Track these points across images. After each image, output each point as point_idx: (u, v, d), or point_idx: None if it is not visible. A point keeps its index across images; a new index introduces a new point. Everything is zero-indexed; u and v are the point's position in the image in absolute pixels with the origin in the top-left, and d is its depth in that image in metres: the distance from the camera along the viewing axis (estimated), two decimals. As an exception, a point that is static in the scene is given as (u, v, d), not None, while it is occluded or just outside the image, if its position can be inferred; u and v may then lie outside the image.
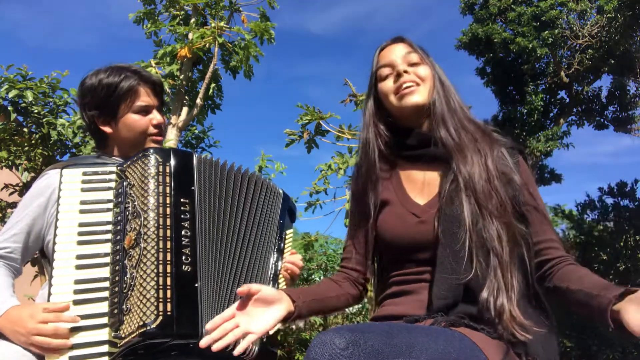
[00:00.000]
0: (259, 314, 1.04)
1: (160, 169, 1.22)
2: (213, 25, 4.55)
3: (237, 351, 1.00)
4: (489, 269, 1.02)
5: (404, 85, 1.18)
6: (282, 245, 1.41)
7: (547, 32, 9.26)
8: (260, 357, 1.26)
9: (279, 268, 1.38)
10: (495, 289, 1.00)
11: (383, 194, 1.22)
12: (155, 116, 1.48)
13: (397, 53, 1.22)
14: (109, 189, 1.24)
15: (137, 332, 1.06)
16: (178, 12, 4.80)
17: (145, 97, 1.46)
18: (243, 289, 1.03)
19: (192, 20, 4.80)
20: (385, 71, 1.22)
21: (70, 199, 1.21)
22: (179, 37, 4.59)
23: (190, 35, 4.49)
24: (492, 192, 1.07)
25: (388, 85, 1.21)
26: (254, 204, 1.37)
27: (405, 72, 1.18)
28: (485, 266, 1.02)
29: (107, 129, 1.45)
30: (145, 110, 1.46)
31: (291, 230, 1.50)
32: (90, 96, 1.43)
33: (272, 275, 1.35)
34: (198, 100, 4.45)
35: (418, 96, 1.18)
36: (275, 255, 1.39)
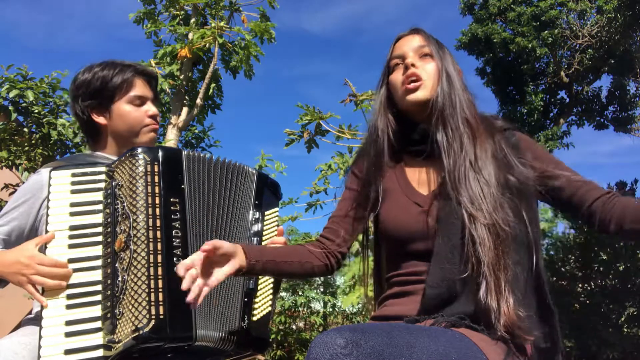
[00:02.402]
0: (216, 268, 1.02)
1: (149, 168, 1.19)
2: (213, 25, 4.55)
3: (189, 298, 0.95)
4: (481, 269, 1.02)
5: (410, 79, 1.18)
6: (259, 227, 1.37)
7: (547, 32, 9.26)
8: (247, 343, 1.25)
9: None
10: (489, 288, 1.00)
11: (386, 184, 1.22)
12: (151, 107, 1.46)
13: (410, 45, 1.23)
14: (99, 189, 1.22)
15: (130, 337, 1.06)
16: (178, 12, 4.80)
17: (140, 88, 1.45)
18: (207, 246, 0.98)
19: (192, 20, 4.79)
20: (396, 62, 1.24)
21: (60, 202, 1.19)
22: (179, 37, 4.59)
23: (190, 35, 4.49)
24: (479, 196, 1.07)
25: (397, 77, 1.22)
26: (234, 193, 1.34)
27: (413, 65, 1.19)
28: (478, 265, 1.02)
29: (102, 120, 1.43)
30: (140, 101, 1.44)
31: (274, 210, 1.44)
32: (85, 88, 1.42)
33: None
34: (198, 100, 4.45)
35: (421, 92, 1.18)
36: (252, 239, 1.35)
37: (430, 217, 1.11)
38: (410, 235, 1.13)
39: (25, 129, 4.47)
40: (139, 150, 1.21)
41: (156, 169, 1.19)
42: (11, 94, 4.08)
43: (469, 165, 1.11)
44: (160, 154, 1.22)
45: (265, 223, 1.39)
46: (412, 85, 1.18)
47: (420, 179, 1.21)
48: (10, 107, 4.21)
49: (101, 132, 1.46)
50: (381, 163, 1.23)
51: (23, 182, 4.56)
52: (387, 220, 1.18)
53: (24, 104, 4.28)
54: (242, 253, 1.06)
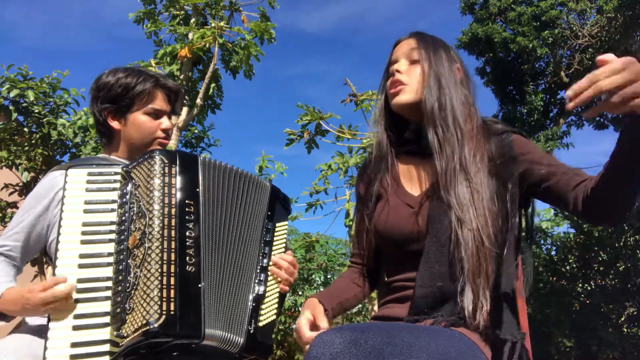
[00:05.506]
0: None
1: (166, 170, 1.23)
2: (213, 25, 4.55)
3: None
4: (464, 273, 1.02)
5: (393, 85, 1.21)
6: (270, 237, 1.40)
7: (547, 32, 9.27)
8: (253, 347, 1.26)
9: (267, 261, 1.37)
10: (467, 296, 1.00)
11: (380, 186, 1.23)
12: (165, 121, 1.50)
13: (402, 50, 1.24)
14: (114, 189, 1.25)
15: (139, 331, 1.06)
16: (178, 12, 4.80)
17: (159, 102, 1.48)
18: (310, 317, 1.09)
19: (192, 20, 4.79)
20: (390, 68, 1.25)
21: (74, 199, 1.21)
22: (179, 37, 4.59)
23: (190, 35, 4.49)
24: (468, 202, 1.07)
25: (388, 82, 1.24)
26: (249, 203, 1.37)
27: (398, 71, 1.20)
28: (462, 268, 1.02)
29: (116, 125, 1.46)
30: (156, 114, 1.48)
31: (284, 223, 1.47)
32: (106, 91, 1.45)
33: (259, 269, 1.34)
34: (198, 100, 4.45)
35: (404, 96, 1.19)
36: (263, 248, 1.38)
37: (420, 218, 1.11)
38: (401, 236, 1.13)
39: (26, 129, 4.47)
40: (157, 152, 1.26)
41: (173, 171, 1.24)
42: (12, 94, 4.08)
43: (459, 168, 1.10)
44: (177, 157, 1.27)
45: (275, 234, 1.42)
46: (393, 90, 1.20)
47: (412, 178, 1.22)
48: (11, 107, 4.21)
49: (114, 136, 1.49)
50: (383, 167, 1.25)
51: (23, 182, 4.58)
52: (378, 221, 1.19)
53: (25, 104, 4.29)
54: (320, 304, 1.15)
